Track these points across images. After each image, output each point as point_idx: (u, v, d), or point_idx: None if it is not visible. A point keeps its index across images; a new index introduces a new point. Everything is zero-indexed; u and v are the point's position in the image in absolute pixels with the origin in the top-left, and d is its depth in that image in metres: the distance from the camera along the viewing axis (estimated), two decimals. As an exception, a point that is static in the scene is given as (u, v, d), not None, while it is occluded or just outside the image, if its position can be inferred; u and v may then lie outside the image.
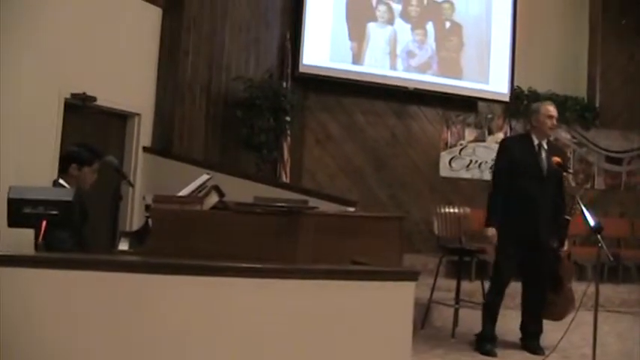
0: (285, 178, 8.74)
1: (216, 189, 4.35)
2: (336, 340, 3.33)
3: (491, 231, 6.00)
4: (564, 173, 5.75)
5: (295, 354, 3.27)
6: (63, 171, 4.75)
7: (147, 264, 3.27)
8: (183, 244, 3.84)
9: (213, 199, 4.26)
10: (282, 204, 4.21)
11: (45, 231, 3.48)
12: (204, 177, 4.58)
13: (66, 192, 3.73)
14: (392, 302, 3.44)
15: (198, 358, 3.15)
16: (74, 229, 4.01)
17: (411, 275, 3.52)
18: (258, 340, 3.22)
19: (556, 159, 5.83)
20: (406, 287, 3.47)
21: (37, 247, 3.60)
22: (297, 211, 4.11)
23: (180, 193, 4.56)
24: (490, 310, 6.09)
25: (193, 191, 4.47)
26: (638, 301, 9.10)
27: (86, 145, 5.00)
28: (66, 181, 4.69)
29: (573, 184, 9.95)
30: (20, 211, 3.53)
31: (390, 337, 3.43)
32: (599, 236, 5.24)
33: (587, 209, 5.35)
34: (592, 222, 5.33)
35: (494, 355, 5.88)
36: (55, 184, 4.68)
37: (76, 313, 3.05)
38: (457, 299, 6.67)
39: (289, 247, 4.00)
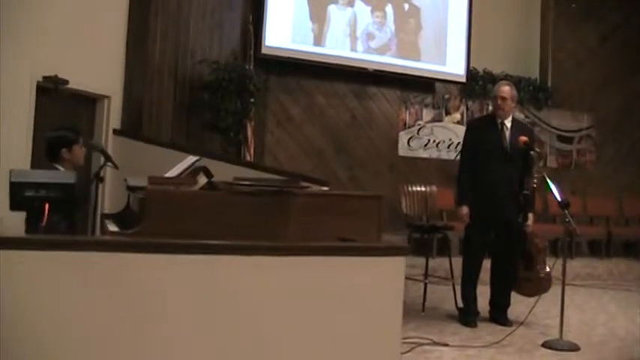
0: (250, 160, 8.82)
1: (205, 170, 4.44)
2: (329, 315, 3.42)
3: (464, 209, 6.23)
4: (531, 152, 5.92)
5: (290, 329, 3.36)
6: (54, 157, 4.78)
7: (146, 244, 3.28)
8: (177, 224, 3.91)
9: (203, 179, 4.36)
10: (275, 184, 4.33)
11: (48, 214, 3.54)
12: (192, 158, 4.66)
13: (68, 175, 3.78)
14: (383, 277, 3.54)
15: (195, 335, 3.21)
16: (68, 211, 4.06)
17: (401, 251, 3.65)
18: (252, 317, 3.30)
19: (523, 138, 6.02)
20: (397, 262, 3.61)
21: (37, 229, 3.66)
22: (290, 190, 4.24)
23: (168, 174, 4.65)
24: (466, 288, 6.33)
25: (182, 172, 4.56)
26: (589, 275, 9.51)
27: (65, 127, 5.05)
28: (61, 166, 4.74)
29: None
30: (22, 195, 3.58)
31: (382, 312, 3.54)
32: (566, 212, 5.49)
33: (554, 185, 5.60)
34: (559, 197, 5.59)
35: (474, 326, 6.14)
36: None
37: (73, 295, 3.08)
38: (426, 275, 6.89)
39: (280, 226, 4.11)
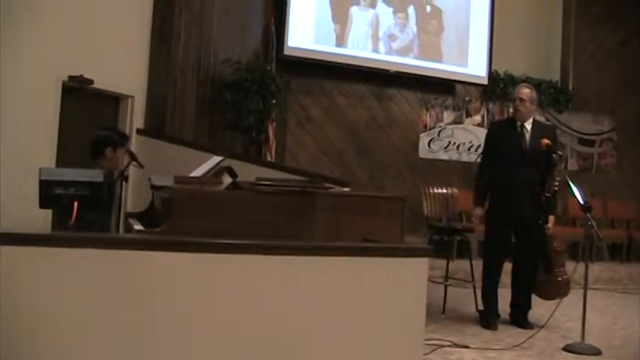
0: (271, 160, 8.87)
1: (229, 170, 4.49)
2: (353, 315, 3.45)
3: (478, 210, 6.27)
4: (553, 155, 5.91)
5: (313, 329, 3.39)
6: (98, 155, 4.84)
7: (171, 242, 3.32)
8: (202, 223, 3.96)
9: (227, 179, 4.41)
10: (299, 184, 4.36)
11: (77, 212, 3.59)
12: (217, 158, 4.70)
13: (96, 173, 3.83)
14: (407, 278, 3.57)
15: (219, 333, 3.25)
16: (103, 210, 4.11)
17: (424, 252, 3.68)
18: (276, 316, 3.33)
19: (545, 141, 6.00)
20: (420, 263, 3.63)
21: (67, 227, 3.70)
22: (314, 191, 4.27)
23: (193, 174, 4.69)
24: (487, 290, 6.34)
25: (207, 172, 4.59)
26: (610, 279, 9.47)
27: (115, 128, 5.12)
28: (101, 165, 4.79)
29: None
30: (52, 192, 3.63)
31: (405, 313, 3.56)
32: (588, 215, 5.49)
33: (577, 188, 5.60)
34: (582, 201, 5.58)
35: (495, 328, 6.15)
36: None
37: (99, 293, 3.11)
38: (446, 277, 6.90)
39: (304, 226, 4.14)
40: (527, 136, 6.28)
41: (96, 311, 3.11)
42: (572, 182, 5.82)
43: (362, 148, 10.25)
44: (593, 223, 5.59)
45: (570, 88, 11.39)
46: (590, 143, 11.53)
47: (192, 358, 3.22)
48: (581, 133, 11.46)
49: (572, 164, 11.39)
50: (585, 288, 5.65)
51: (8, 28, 5.92)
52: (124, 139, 5.01)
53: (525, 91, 6.36)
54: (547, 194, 5.92)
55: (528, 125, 6.33)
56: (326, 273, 3.42)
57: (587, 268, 5.71)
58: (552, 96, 11.21)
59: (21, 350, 3.00)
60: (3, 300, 2.95)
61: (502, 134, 6.44)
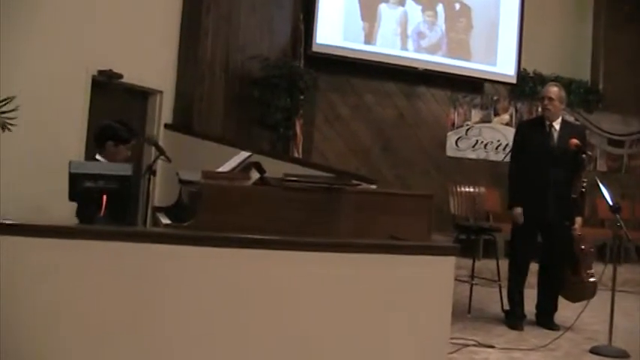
0: (298, 156, 8.88)
1: (257, 166, 4.50)
2: (380, 312, 3.47)
3: (518, 210, 6.19)
4: (582, 155, 5.86)
5: (340, 326, 3.40)
6: (99, 146, 4.86)
7: (199, 237, 3.34)
8: (230, 218, 3.97)
9: (255, 175, 4.42)
10: (327, 181, 4.36)
11: (105, 205, 3.62)
12: (245, 154, 4.72)
13: (125, 167, 3.85)
14: (434, 276, 3.57)
15: (245, 327, 3.27)
16: (130, 204, 4.13)
17: (451, 250, 3.67)
18: (303, 312, 3.35)
19: (574, 141, 5.95)
20: (447, 262, 3.63)
21: (93, 219, 3.73)
22: (342, 187, 4.27)
23: (220, 169, 4.71)
24: (513, 290, 6.30)
25: (234, 168, 4.61)
26: (639, 281, 9.35)
27: (124, 123, 5.11)
28: (103, 157, 4.80)
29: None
30: (81, 185, 3.66)
31: (431, 311, 3.56)
32: (617, 216, 5.43)
33: (606, 189, 5.54)
34: (611, 202, 5.53)
35: (520, 329, 6.11)
36: (92, 159, 4.79)
37: (125, 285, 3.14)
38: (472, 276, 6.87)
39: (332, 222, 4.15)
40: (556, 135, 6.23)
41: (123, 304, 3.13)
42: (602, 183, 5.76)
43: (389, 146, 10.22)
44: (622, 225, 5.53)
45: (600, 87, 11.27)
46: (619, 144, 11.41)
47: (218, 352, 3.23)
48: (611, 134, 11.33)
49: (601, 165, 11.27)
50: (613, 290, 5.60)
51: (38, 21, 5.98)
52: (131, 137, 4.98)
53: (554, 90, 6.31)
54: (573, 195, 5.86)
55: (557, 125, 6.28)
56: (353, 270, 3.42)
57: (615, 269, 5.65)
58: (582, 96, 11.09)
59: (47, 342, 3.02)
60: (28, 292, 2.98)
61: (530, 134, 6.39)
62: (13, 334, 2.98)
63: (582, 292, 6.19)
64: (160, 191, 7.06)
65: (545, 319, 6.26)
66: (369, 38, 9.79)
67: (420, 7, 10.10)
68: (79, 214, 4.39)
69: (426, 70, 10.09)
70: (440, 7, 10.21)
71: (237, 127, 8.61)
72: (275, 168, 5.07)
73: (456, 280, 6.88)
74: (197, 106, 7.86)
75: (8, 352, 2.95)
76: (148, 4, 7.27)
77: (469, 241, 7.71)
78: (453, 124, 10.59)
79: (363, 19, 9.74)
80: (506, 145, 10.23)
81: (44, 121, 6.01)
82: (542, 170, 6.14)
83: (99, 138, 5.01)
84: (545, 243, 6.29)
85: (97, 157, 4.92)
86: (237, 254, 3.27)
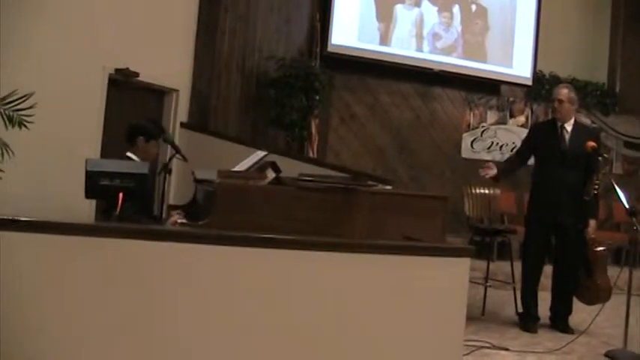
0: (313, 156, 8.89)
1: (273, 165, 4.51)
2: (394, 313, 3.44)
3: (493, 172, 6.38)
4: (599, 158, 5.82)
5: (353, 326, 3.39)
6: (131, 141, 4.90)
7: (215, 235, 3.34)
8: (246, 217, 3.98)
9: (271, 174, 4.42)
10: (343, 181, 4.36)
11: (122, 203, 3.63)
12: (261, 153, 4.72)
13: (141, 165, 3.88)
14: (449, 278, 3.55)
15: (260, 327, 3.26)
16: (143, 202, 4.15)
17: (466, 252, 3.66)
18: (317, 312, 3.33)
19: (591, 143, 5.88)
20: (462, 263, 3.61)
21: (111, 217, 3.75)
22: (357, 188, 4.27)
23: (236, 168, 4.72)
24: (526, 293, 6.27)
25: (250, 167, 4.62)
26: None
27: (153, 120, 5.17)
28: (134, 154, 4.84)
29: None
30: (98, 183, 3.67)
31: (446, 312, 3.54)
32: (634, 219, 5.40)
33: (622, 192, 5.51)
34: (627, 205, 5.50)
35: (534, 331, 6.08)
36: (124, 157, 4.83)
37: (140, 283, 3.15)
38: (487, 278, 6.85)
39: (347, 223, 4.15)
40: (567, 137, 6.19)
41: (138, 301, 3.13)
42: (618, 186, 5.72)
43: (404, 147, 10.22)
44: (638, 228, 5.50)
45: (617, 90, 11.21)
46: (636, 147, 11.32)
47: (233, 350, 3.24)
48: (628, 137, 11.26)
49: (617, 168, 11.21)
50: (629, 294, 5.56)
51: (56, 20, 6.02)
52: (159, 132, 5.03)
53: (563, 92, 6.26)
54: (585, 197, 5.82)
55: (569, 126, 6.23)
56: (367, 270, 3.41)
57: (630, 273, 5.61)
58: (598, 98, 11.05)
59: (59, 338, 3.04)
60: (42, 287, 2.99)
61: (542, 135, 6.37)
62: (23, 332, 2.99)
63: (596, 296, 6.15)
64: (176, 190, 7.11)
65: (560, 321, 6.21)
66: (384, 39, 9.79)
67: (436, 9, 10.09)
68: (98, 212, 4.42)
69: (441, 71, 10.08)
70: (456, 9, 10.20)
71: (253, 126, 8.64)
72: (290, 168, 5.08)
73: (470, 281, 6.93)
74: (213, 105, 7.91)
75: (11, 351, 2.96)
76: (166, 3, 7.31)
77: (484, 243, 7.70)
78: (469, 125, 10.57)
79: (378, 19, 9.75)
80: (522, 147, 10.22)
81: (61, 118, 6.04)
82: (553, 172, 6.11)
83: (130, 136, 5.07)
84: (558, 245, 6.25)
85: (128, 154, 4.96)
86: (252, 253, 3.26)
